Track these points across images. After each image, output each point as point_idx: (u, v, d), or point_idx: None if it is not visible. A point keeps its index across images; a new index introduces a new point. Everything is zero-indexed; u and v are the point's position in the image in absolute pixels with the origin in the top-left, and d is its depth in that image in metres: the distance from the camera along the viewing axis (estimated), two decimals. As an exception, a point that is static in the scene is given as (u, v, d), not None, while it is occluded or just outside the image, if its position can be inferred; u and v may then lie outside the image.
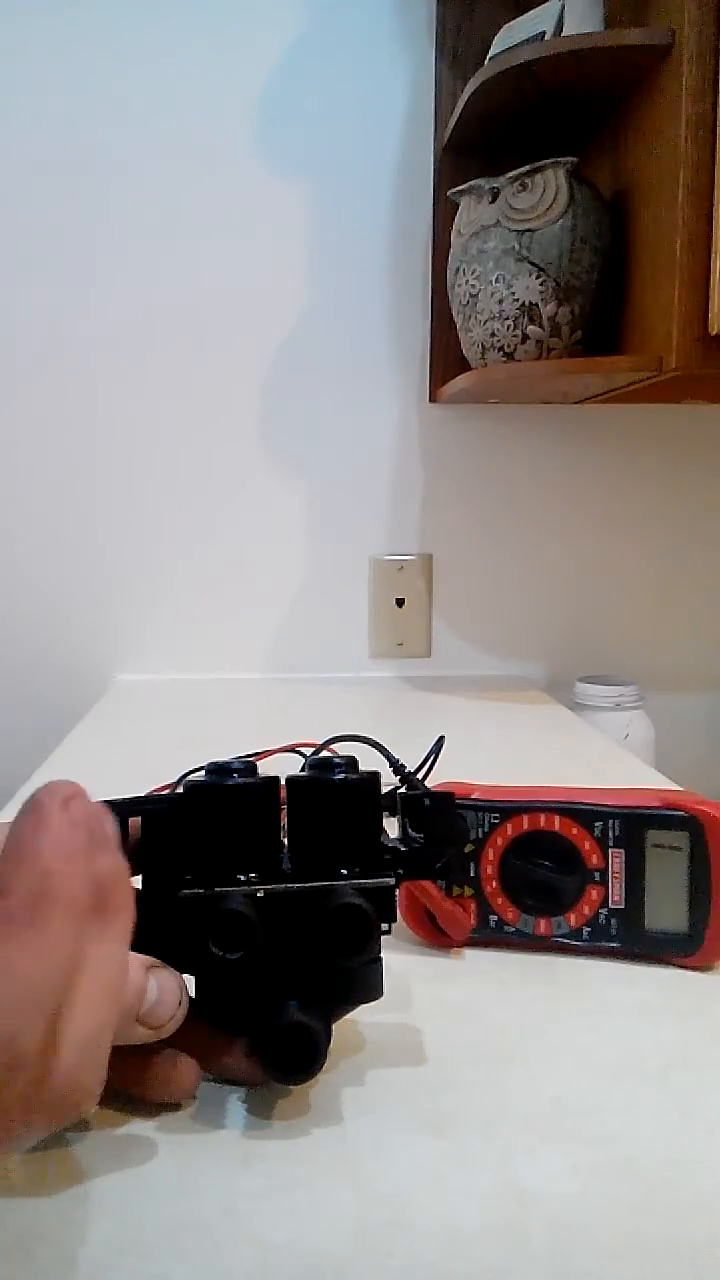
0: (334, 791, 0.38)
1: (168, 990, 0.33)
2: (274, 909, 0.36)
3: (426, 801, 0.39)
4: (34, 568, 1.29)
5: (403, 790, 0.41)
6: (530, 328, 1.02)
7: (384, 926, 0.37)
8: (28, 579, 1.29)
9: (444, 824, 0.39)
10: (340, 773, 0.38)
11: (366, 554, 1.31)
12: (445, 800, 0.40)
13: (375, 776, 0.39)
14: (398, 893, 0.39)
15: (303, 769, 0.42)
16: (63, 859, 0.27)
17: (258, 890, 0.36)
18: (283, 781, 0.38)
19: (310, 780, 0.38)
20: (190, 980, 0.36)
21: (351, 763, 0.39)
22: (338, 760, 0.38)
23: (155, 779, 0.70)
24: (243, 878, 0.36)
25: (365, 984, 0.38)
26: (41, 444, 1.27)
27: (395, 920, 0.37)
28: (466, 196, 1.07)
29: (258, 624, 1.32)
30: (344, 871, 0.37)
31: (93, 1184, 0.32)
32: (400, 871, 0.38)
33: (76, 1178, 0.32)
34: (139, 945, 0.35)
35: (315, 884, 0.37)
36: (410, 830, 0.40)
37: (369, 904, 0.35)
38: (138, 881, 0.39)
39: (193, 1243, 0.30)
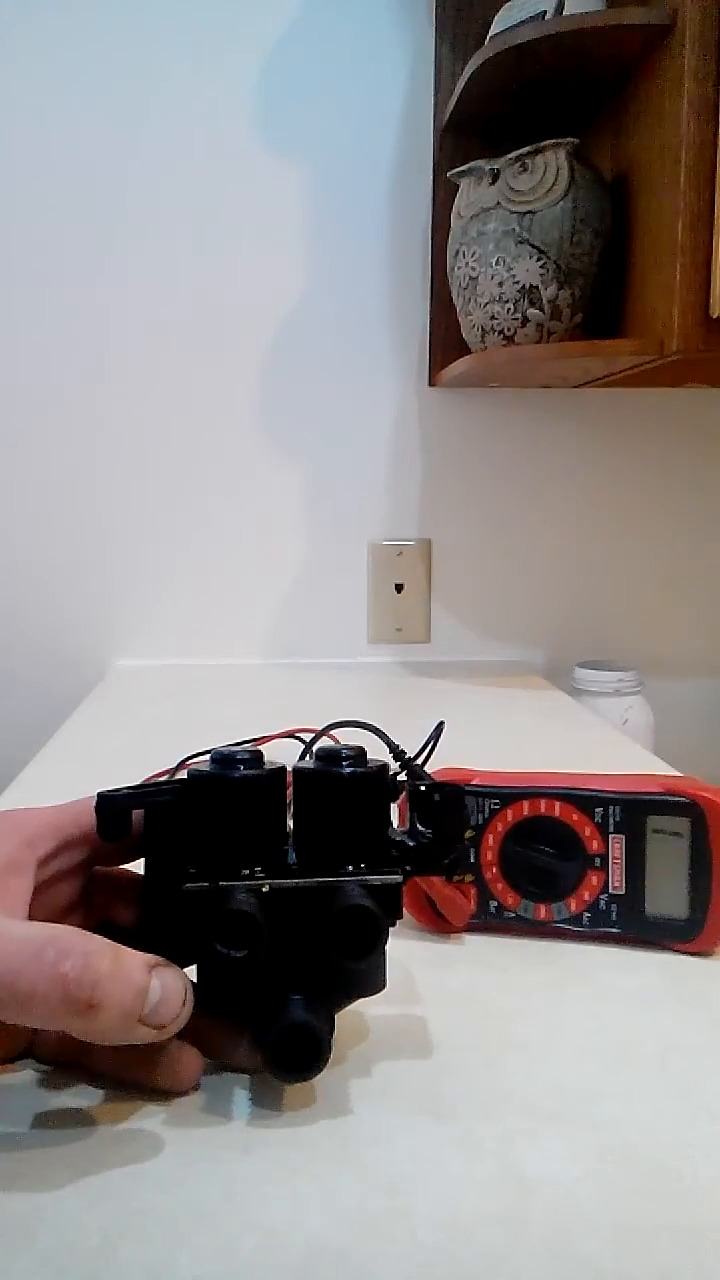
0: (342, 785, 0.37)
1: (171, 991, 0.33)
2: (279, 904, 0.36)
3: (436, 797, 0.39)
4: (32, 553, 1.29)
5: (413, 784, 0.40)
6: (530, 310, 1.02)
7: (390, 922, 0.36)
8: (26, 564, 1.29)
9: (454, 820, 0.39)
10: (349, 766, 0.37)
11: (365, 539, 1.31)
12: (455, 795, 0.39)
13: (384, 769, 0.38)
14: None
15: (302, 756, 0.41)
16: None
17: (263, 885, 0.36)
18: (289, 770, 0.38)
19: (318, 773, 0.37)
20: (192, 970, 0.36)
21: (360, 754, 0.38)
22: (345, 752, 0.38)
23: (154, 765, 0.70)
24: (247, 871, 0.36)
25: (368, 977, 0.37)
26: (40, 430, 1.26)
27: (401, 917, 0.37)
28: (466, 178, 1.06)
29: (256, 609, 1.32)
30: (350, 868, 0.36)
31: (95, 1170, 0.32)
32: (407, 868, 0.38)
33: (79, 1163, 0.32)
34: (141, 936, 0.35)
35: (321, 880, 0.36)
36: (419, 824, 0.39)
37: (376, 903, 0.35)
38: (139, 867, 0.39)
39: (194, 1229, 0.30)
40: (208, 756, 0.38)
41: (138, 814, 0.38)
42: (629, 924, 0.47)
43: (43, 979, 0.30)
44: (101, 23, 1.19)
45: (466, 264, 1.05)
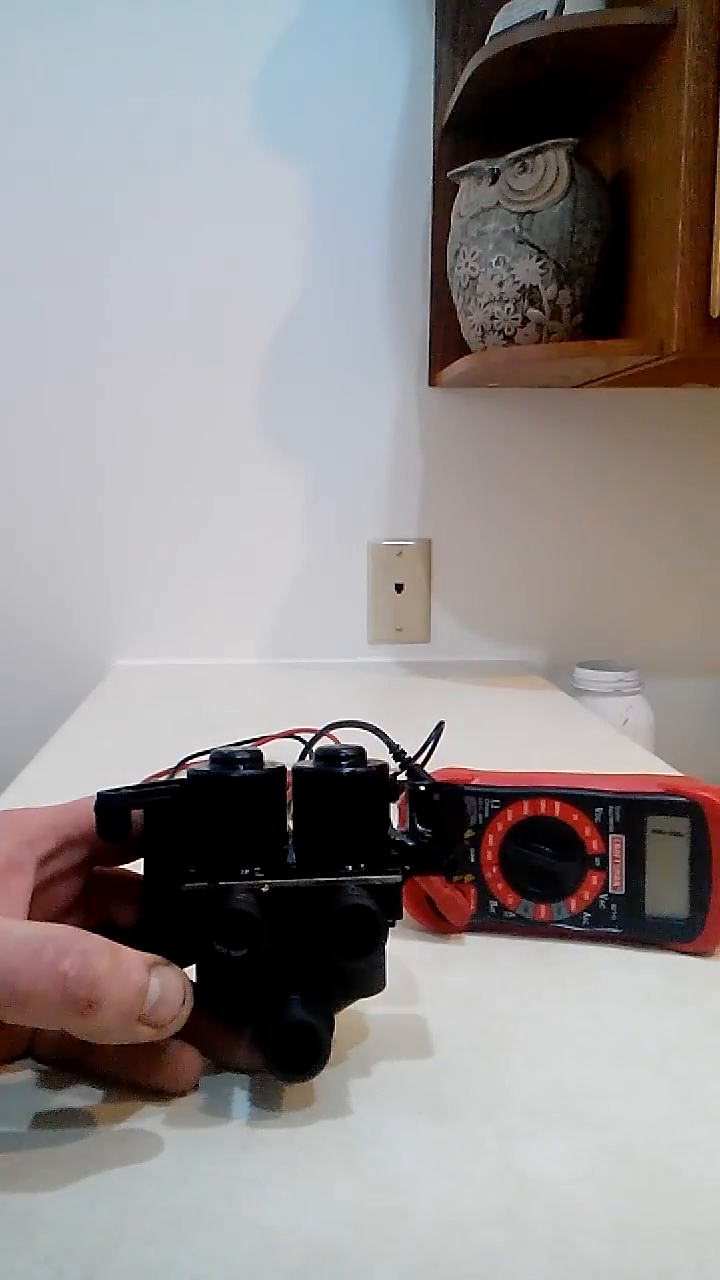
0: (341, 785, 0.37)
1: (171, 989, 0.33)
2: (278, 904, 0.36)
3: (436, 796, 0.39)
4: (33, 553, 1.29)
5: (413, 784, 0.40)
6: (530, 310, 1.02)
7: (390, 922, 0.36)
8: (27, 564, 1.29)
9: (454, 820, 0.39)
10: (348, 765, 0.37)
11: (365, 539, 1.31)
12: (455, 795, 0.39)
13: (384, 769, 0.38)
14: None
15: (302, 756, 0.41)
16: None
17: (262, 885, 0.36)
18: (289, 770, 0.38)
19: (317, 773, 0.37)
20: (191, 970, 0.36)
21: (359, 754, 0.38)
22: (345, 752, 0.38)
23: (154, 765, 0.70)
24: (247, 871, 0.36)
25: (368, 977, 0.37)
26: (41, 430, 1.26)
27: (401, 917, 0.37)
28: (466, 178, 1.06)
29: (257, 609, 1.32)
30: (349, 868, 0.36)
31: (95, 1170, 0.32)
32: (407, 868, 0.38)
33: (79, 1163, 0.32)
34: (140, 935, 0.35)
35: (321, 880, 0.36)
36: (418, 824, 0.39)
37: (375, 903, 0.35)
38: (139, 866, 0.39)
39: (194, 1229, 0.30)
40: (207, 756, 0.38)
41: (137, 814, 0.38)
42: (629, 924, 0.47)
43: (42, 978, 0.30)
44: (102, 22, 1.19)
45: (466, 264, 1.05)
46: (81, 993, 0.30)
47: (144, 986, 0.32)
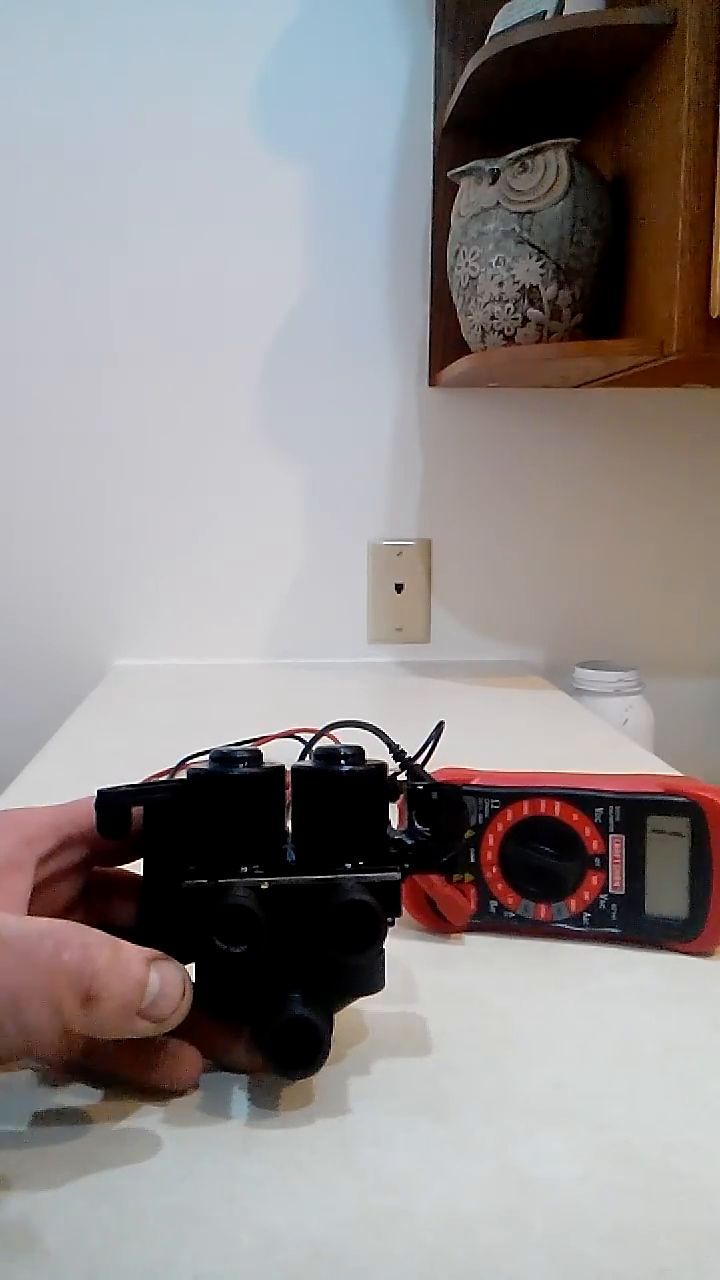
0: (340, 783, 0.37)
1: (170, 984, 0.33)
2: (278, 901, 0.36)
3: (434, 795, 0.39)
4: (33, 553, 1.29)
5: (411, 782, 0.40)
6: (530, 310, 1.02)
7: (389, 920, 0.36)
8: (26, 564, 1.29)
9: (452, 818, 0.39)
10: (347, 764, 0.37)
11: (365, 539, 1.31)
12: (453, 794, 0.39)
13: (382, 768, 0.38)
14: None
15: (302, 756, 0.41)
16: None
17: (262, 882, 0.36)
18: (288, 769, 0.38)
19: (316, 771, 0.37)
20: (191, 968, 0.36)
21: (358, 753, 0.38)
22: (344, 751, 0.38)
23: (154, 764, 0.70)
24: (246, 869, 0.36)
25: (367, 976, 0.37)
26: (42, 430, 1.26)
27: (400, 914, 0.37)
28: (466, 178, 1.06)
29: (256, 609, 1.32)
30: (349, 865, 0.37)
31: (95, 1170, 0.32)
32: (406, 866, 0.38)
33: (79, 1164, 0.32)
34: (140, 934, 0.35)
35: (320, 877, 0.36)
36: (417, 823, 0.39)
37: (375, 899, 0.35)
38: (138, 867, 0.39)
39: (194, 1229, 0.30)
40: (207, 756, 0.38)
41: (137, 812, 0.38)
42: (629, 924, 0.47)
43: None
44: (103, 22, 1.19)
45: (466, 264, 1.05)
46: (82, 986, 0.30)
47: (143, 980, 0.32)
